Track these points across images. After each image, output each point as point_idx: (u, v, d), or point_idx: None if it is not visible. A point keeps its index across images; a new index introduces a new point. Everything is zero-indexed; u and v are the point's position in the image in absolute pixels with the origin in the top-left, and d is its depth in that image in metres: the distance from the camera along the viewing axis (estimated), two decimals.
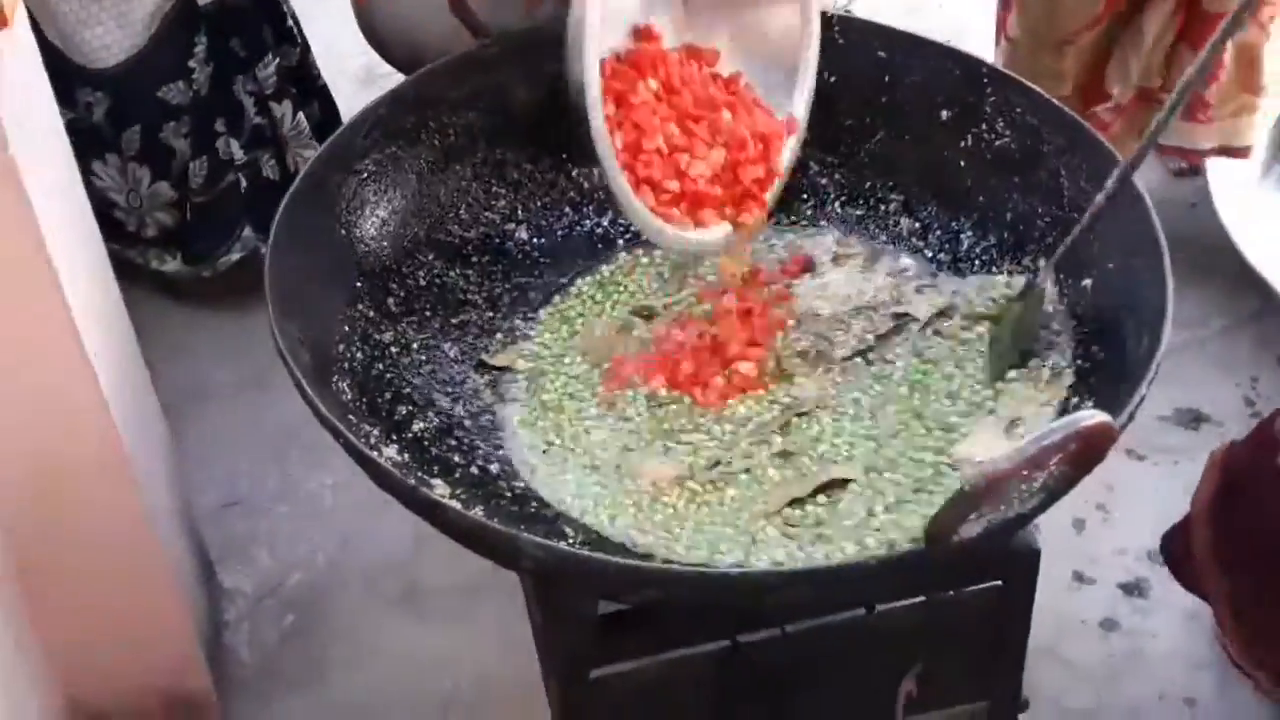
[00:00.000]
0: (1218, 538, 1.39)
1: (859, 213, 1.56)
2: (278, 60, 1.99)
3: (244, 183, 2.03)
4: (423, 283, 1.47)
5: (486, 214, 1.53)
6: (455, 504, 1.18)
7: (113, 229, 2.04)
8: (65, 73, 1.91)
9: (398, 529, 1.79)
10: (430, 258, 1.48)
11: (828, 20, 1.55)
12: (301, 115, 2.04)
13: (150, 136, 1.97)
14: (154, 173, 2.01)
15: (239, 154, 2.01)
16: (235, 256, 2.07)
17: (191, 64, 1.93)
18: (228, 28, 1.92)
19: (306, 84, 2.08)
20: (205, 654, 1.62)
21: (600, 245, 1.56)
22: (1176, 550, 1.50)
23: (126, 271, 2.00)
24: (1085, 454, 1.01)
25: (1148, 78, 1.98)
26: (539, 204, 1.56)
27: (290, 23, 2.03)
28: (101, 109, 1.94)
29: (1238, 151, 2.07)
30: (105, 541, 1.47)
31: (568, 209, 1.57)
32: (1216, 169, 2.07)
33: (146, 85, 1.93)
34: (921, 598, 1.28)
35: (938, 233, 1.52)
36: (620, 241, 1.56)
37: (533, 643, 1.39)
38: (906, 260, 1.50)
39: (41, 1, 1.83)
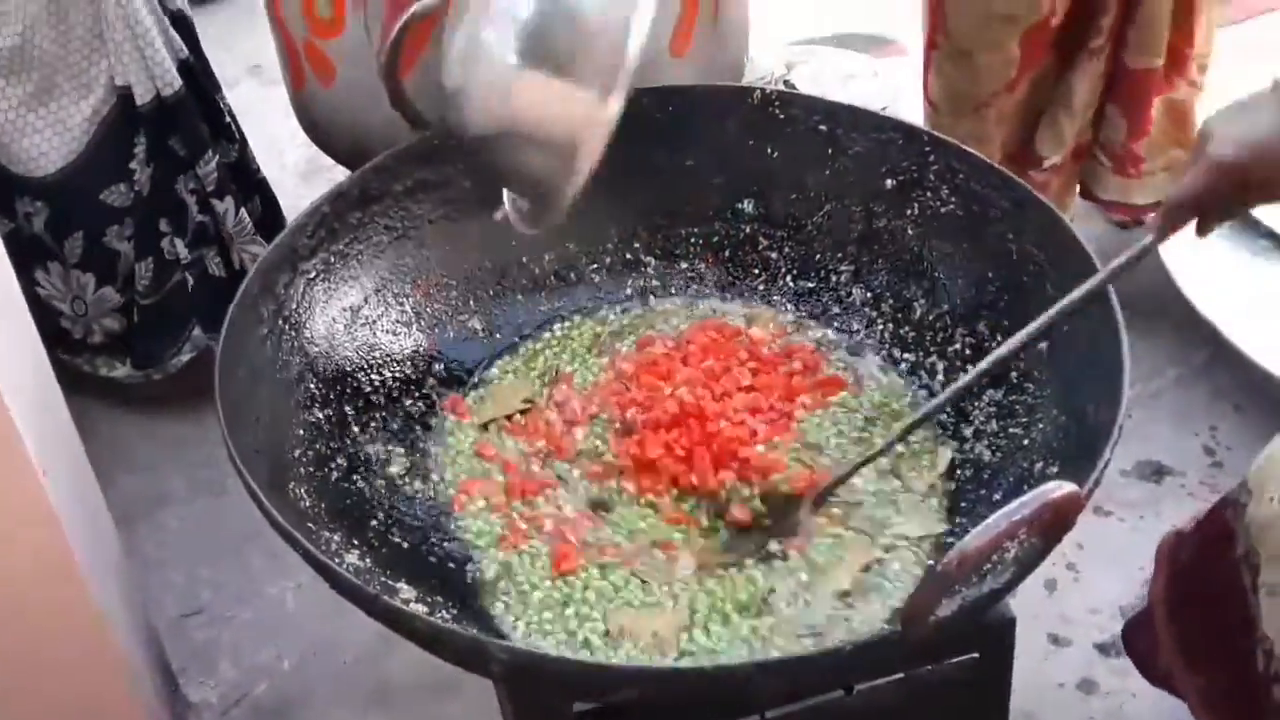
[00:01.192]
0: (1180, 633, 1.37)
1: (810, 285, 1.56)
2: (217, 157, 1.98)
3: (191, 282, 2.02)
4: (378, 384, 1.45)
5: (436, 306, 1.52)
6: (420, 608, 1.16)
7: (59, 338, 2.02)
8: (3, 182, 1.90)
9: (364, 629, 1.73)
10: (382, 356, 1.47)
11: (766, 96, 1.56)
12: (244, 211, 2.03)
13: (93, 242, 1.95)
14: (98, 278, 1.98)
15: (184, 253, 1.99)
16: (186, 357, 2.05)
17: (132, 165, 1.92)
18: (167, 127, 1.91)
19: (246, 179, 2.07)
20: None
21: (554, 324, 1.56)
22: (1140, 646, 1.48)
23: (75, 380, 1.98)
24: (1054, 524, 1.01)
25: (1080, 134, 2.00)
26: (489, 293, 1.55)
27: (228, 119, 2.03)
28: (41, 218, 1.93)
29: None
30: (61, 656, 1.44)
31: (520, 296, 1.56)
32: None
33: (87, 191, 1.92)
34: (899, 675, 1.27)
35: (890, 302, 1.52)
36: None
37: None
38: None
39: None
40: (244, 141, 2.07)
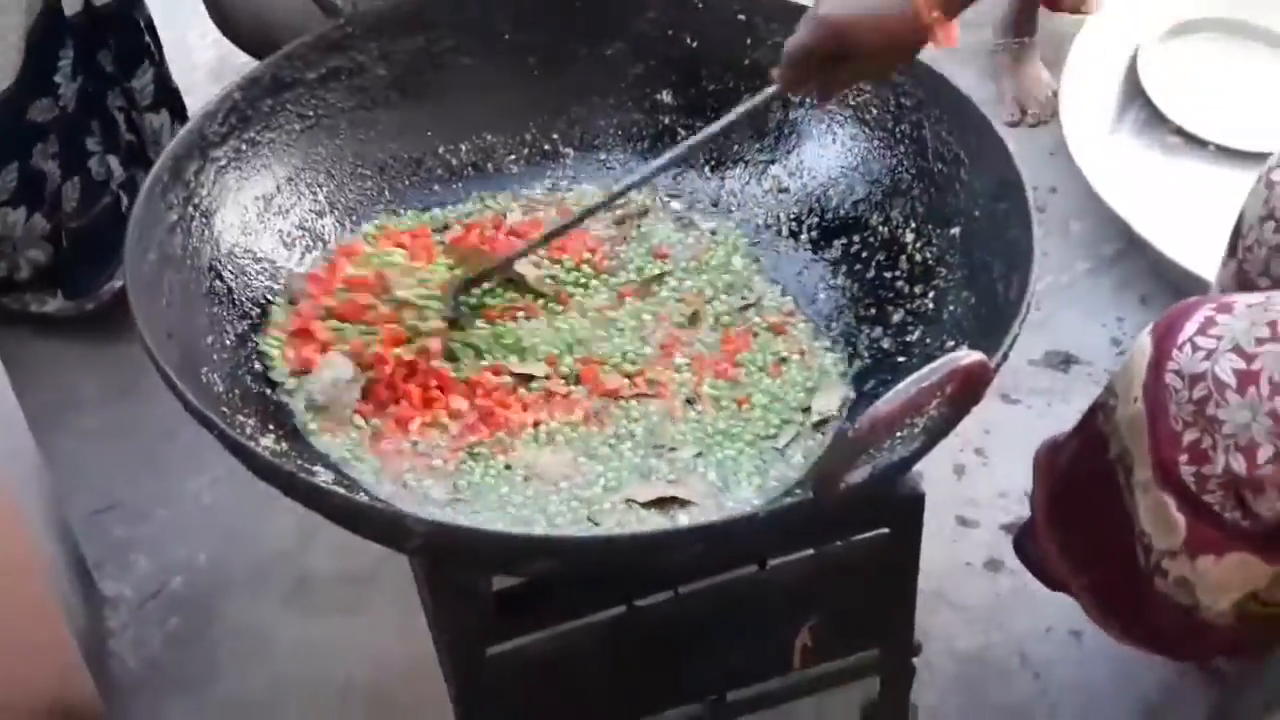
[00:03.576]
0: (1065, 538, 1.40)
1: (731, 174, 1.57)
2: (153, 69, 1.91)
3: (125, 202, 1.93)
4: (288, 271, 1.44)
5: (350, 197, 1.50)
6: (339, 488, 1.16)
7: None
8: None
9: (282, 523, 1.76)
10: (294, 245, 1.45)
11: None
12: (178, 125, 1.96)
13: (25, 170, 1.86)
14: (28, 209, 1.90)
15: (118, 171, 1.91)
16: (119, 283, 1.91)
17: (57, 79, 1.83)
18: (95, 38, 1.84)
19: (173, 93, 2.01)
20: (89, 663, 1.58)
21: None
22: (1030, 553, 1.52)
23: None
24: (963, 393, 1.03)
25: None
26: (406, 184, 1.54)
27: (148, 37, 1.96)
28: None
29: None
30: None
31: (436, 187, 1.55)
32: (1071, 117, 2.12)
33: (18, 113, 1.82)
34: (810, 551, 1.30)
35: (806, 190, 1.53)
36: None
37: (427, 626, 1.37)
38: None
39: None
40: (163, 56, 2.00)
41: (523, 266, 1.43)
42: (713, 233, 1.52)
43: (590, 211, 1.39)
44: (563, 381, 1.35)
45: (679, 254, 1.49)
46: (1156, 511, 1.24)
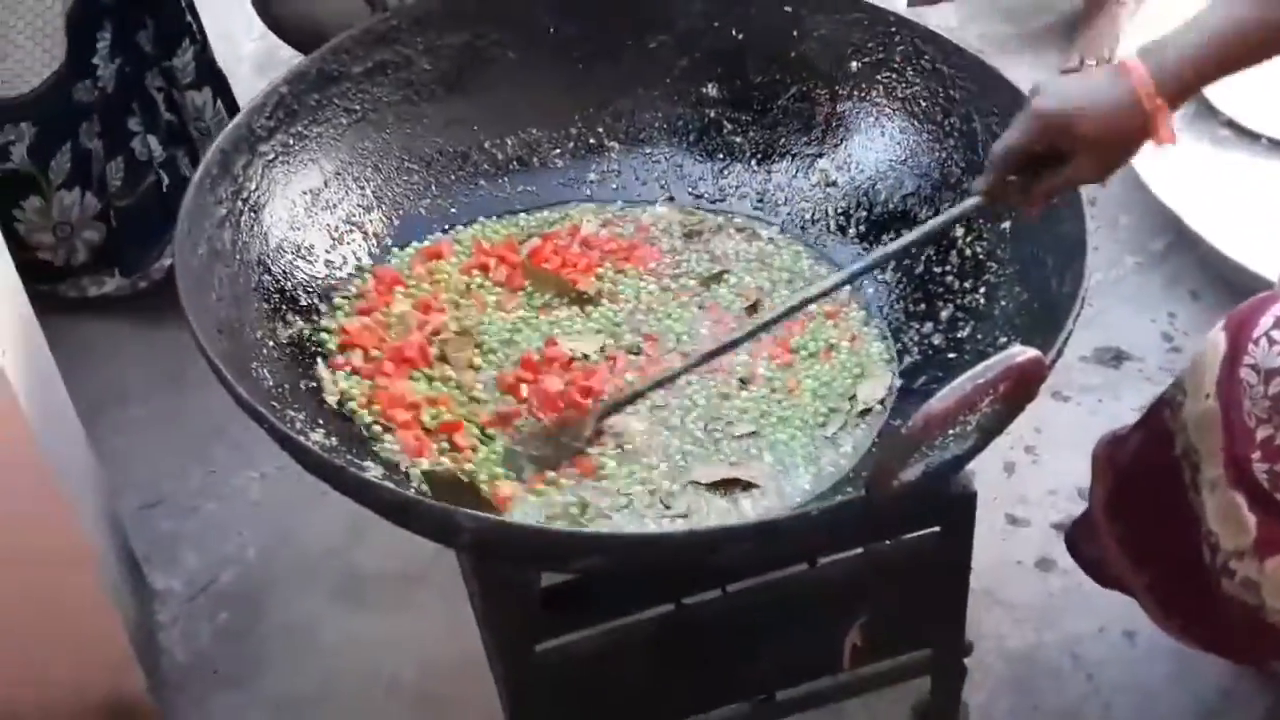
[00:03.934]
0: (1125, 535, 1.38)
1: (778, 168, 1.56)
2: (193, 48, 1.92)
3: (166, 181, 1.96)
4: (339, 267, 1.44)
5: (397, 190, 1.50)
6: (388, 483, 1.16)
7: (39, 271, 1.95)
8: None
9: (331, 518, 1.76)
10: (342, 240, 1.45)
11: None
12: (220, 103, 1.98)
13: (76, 150, 1.88)
14: (81, 189, 1.92)
15: (158, 151, 1.93)
16: (168, 261, 1.93)
17: (95, 60, 1.85)
18: (133, 20, 1.85)
19: (216, 73, 2.02)
20: (139, 656, 1.59)
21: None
22: (1085, 551, 1.50)
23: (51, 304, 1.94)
24: (1017, 390, 1.02)
25: None
26: (452, 178, 1.54)
27: (189, 16, 1.97)
28: (24, 144, 1.85)
29: None
30: (27, 544, 1.43)
31: (482, 181, 1.55)
32: None
33: (67, 94, 1.84)
34: (860, 549, 1.29)
35: (854, 184, 1.52)
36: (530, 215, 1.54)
37: (475, 624, 1.37)
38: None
39: None
40: (206, 37, 2.02)
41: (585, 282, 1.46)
42: (772, 240, 1.51)
43: (769, 324, 1.32)
44: (625, 352, 1.38)
45: (741, 258, 1.50)
46: (1226, 511, 1.22)
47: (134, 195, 1.95)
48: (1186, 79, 1.13)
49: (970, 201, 1.23)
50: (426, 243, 1.49)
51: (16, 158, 1.86)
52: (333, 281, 1.42)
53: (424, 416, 1.30)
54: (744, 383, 1.35)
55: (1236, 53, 1.13)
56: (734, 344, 1.30)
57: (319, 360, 1.34)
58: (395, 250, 1.47)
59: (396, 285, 1.43)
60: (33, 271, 1.92)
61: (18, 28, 1.77)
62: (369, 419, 1.30)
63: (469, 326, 1.39)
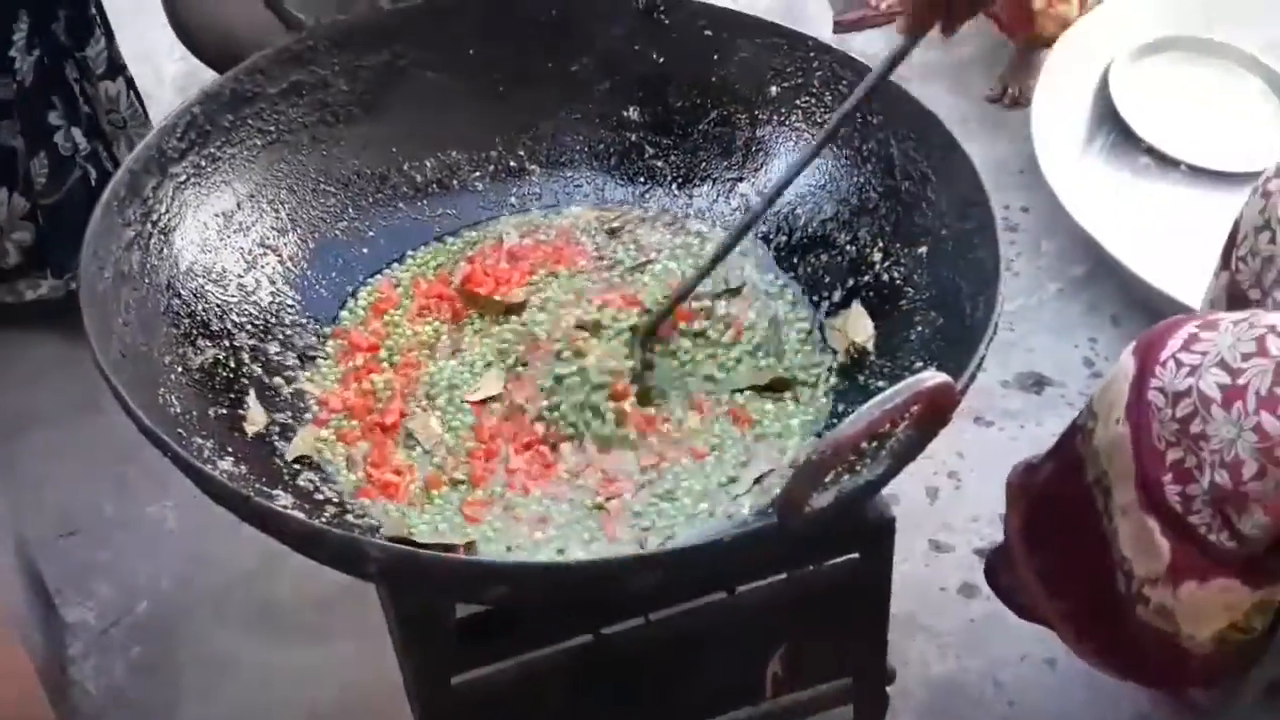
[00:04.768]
0: (1042, 565, 1.38)
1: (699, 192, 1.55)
2: (104, 39, 1.89)
3: (94, 175, 1.91)
4: (252, 291, 1.41)
5: (313, 213, 1.48)
6: (297, 514, 1.13)
7: None
8: None
9: (246, 548, 1.72)
10: (256, 263, 1.43)
11: (652, 1, 1.54)
12: (133, 95, 1.94)
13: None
14: (7, 189, 1.88)
15: (83, 143, 1.89)
16: None
17: (13, 53, 1.81)
18: (47, 7, 1.81)
19: (124, 67, 1.98)
20: (48, 690, 1.54)
21: (434, 238, 1.53)
22: (1002, 581, 1.50)
23: None
24: (929, 416, 1.01)
25: None
26: (370, 200, 1.52)
27: (93, 9, 1.93)
28: None
29: None
30: None
31: (401, 204, 1.53)
32: (1042, 135, 2.11)
33: None
34: (781, 575, 1.28)
35: (774, 208, 1.51)
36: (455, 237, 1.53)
37: (394, 653, 1.34)
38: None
39: None
40: (111, 28, 1.98)
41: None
42: (699, 233, 1.52)
43: (746, 226, 1.38)
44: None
45: (666, 247, 1.51)
46: (1139, 536, 1.22)
47: (60, 191, 1.90)
48: None
49: (900, 45, 1.28)
50: (366, 288, 1.47)
51: None
52: (242, 304, 1.39)
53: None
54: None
55: None
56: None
57: (250, 395, 1.32)
58: (347, 309, 1.45)
59: (370, 350, 1.41)
60: None
61: None
62: (351, 477, 1.29)
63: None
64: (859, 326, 1.38)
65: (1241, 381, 1.13)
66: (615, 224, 1.54)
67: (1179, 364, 1.17)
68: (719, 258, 1.39)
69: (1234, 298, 1.36)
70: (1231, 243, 1.38)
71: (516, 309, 1.44)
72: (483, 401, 1.36)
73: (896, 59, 1.29)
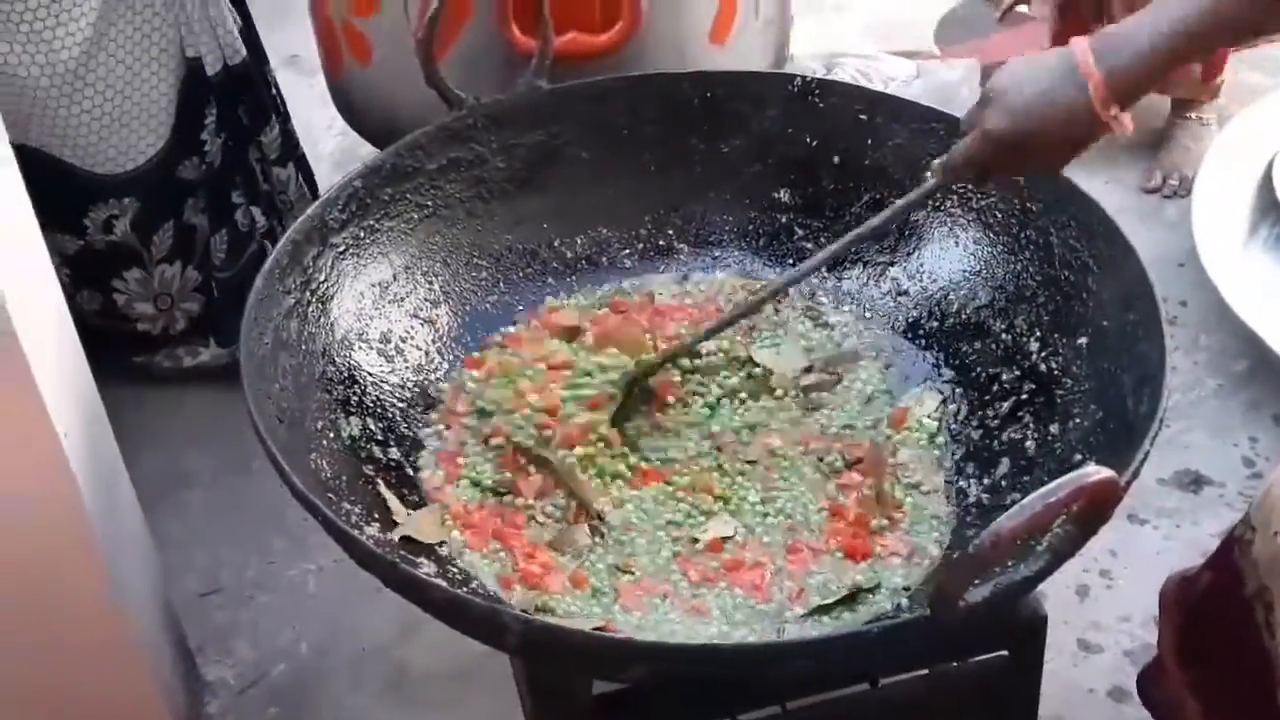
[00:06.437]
0: (1195, 679, 1.33)
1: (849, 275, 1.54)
2: (279, 124, 1.97)
3: (270, 250, 1.98)
4: (403, 361, 1.43)
5: (465, 286, 1.50)
6: (440, 580, 1.14)
7: (135, 342, 1.99)
8: (76, 193, 1.84)
9: (384, 615, 1.73)
10: (409, 334, 1.45)
11: (807, 84, 1.54)
12: (302, 179, 2.01)
13: (179, 226, 1.91)
14: (183, 263, 1.96)
15: (261, 221, 1.97)
16: None
17: (203, 136, 1.89)
18: (234, 95, 1.89)
19: (295, 151, 2.06)
20: None
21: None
22: (1155, 695, 1.43)
23: (134, 374, 1.98)
24: (1090, 512, 0.98)
25: None
26: (520, 275, 1.54)
27: (275, 89, 2.01)
28: (127, 218, 1.88)
29: None
30: (78, 631, 1.42)
31: (550, 280, 1.54)
32: (1202, 227, 2.05)
33: (171, 172, 1.88)
34: (925, 670, 1.24)
35: (925, 293, 1.49)
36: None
37: None
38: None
39: (53, 120, 1.77)
40: (289, 113, 2.06)
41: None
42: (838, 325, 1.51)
43: (773, 294, 1.40)
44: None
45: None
46: None
47: (236, 267, 1.97)
48: (1140, 82, 1.12)
49: (929, 183, 1.27)
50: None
51: (119, 231, 1.89)
52: (393, 374, 1.41)
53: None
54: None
55: (1189, 49, 1.10)
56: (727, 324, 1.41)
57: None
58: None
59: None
60: (129, 342, 1.98)
61: (124, 107, 1.80)
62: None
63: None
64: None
65: None
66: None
67: None
68: (736, 318, 1.41)
69: None
70: None
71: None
72: None
73: (927, 194, 1.30)
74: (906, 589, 1.23)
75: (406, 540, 1.25)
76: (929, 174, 1.27)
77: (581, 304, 1.53)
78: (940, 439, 1.38)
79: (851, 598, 1.22)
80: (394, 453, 1.35)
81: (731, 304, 1.50)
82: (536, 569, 1.25)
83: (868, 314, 1.51)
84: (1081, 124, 1.12)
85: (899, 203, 1.32)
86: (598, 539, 1.29)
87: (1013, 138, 1.14)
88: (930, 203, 1.50)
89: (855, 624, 1.18)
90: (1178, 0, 1.08)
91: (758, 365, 1.46)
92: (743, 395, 1.44)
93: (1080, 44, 1.12)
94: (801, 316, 1.51)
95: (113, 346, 1.94)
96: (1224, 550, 1.29)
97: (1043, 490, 0.94)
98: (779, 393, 1.44)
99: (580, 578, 1.26)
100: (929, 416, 1.40)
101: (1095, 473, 0.95)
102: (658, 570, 1.27)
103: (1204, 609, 1.31)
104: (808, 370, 1.45)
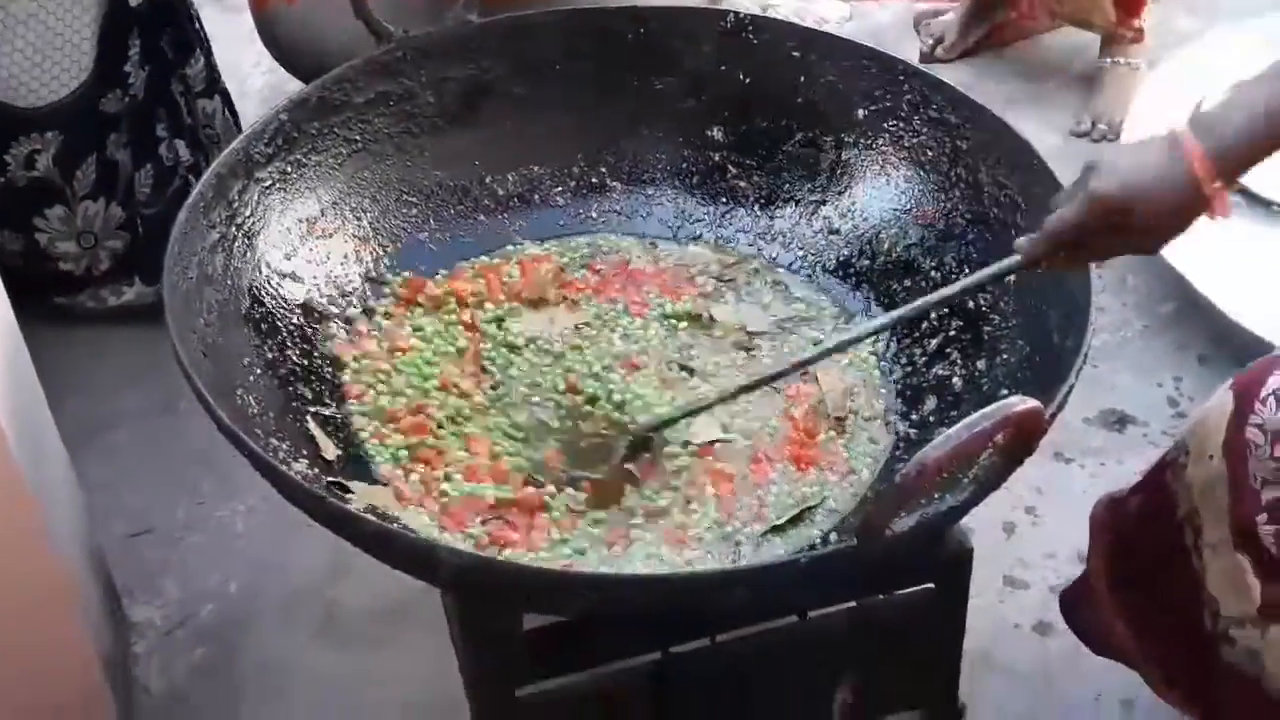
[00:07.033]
0: (1123, 601, 1.34)
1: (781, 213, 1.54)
2: (203, 57, 1.93)
3: (193, 185, 1.95)
4: (331, 294, 1.42)
5: (395, 222, 1.48)
6: (369, 515, 1.13)
7: (59, 282, 1.95)
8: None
9: (315, 554, 1.72)
10: (336, 270, 1.43)
11: (740, 20, 1.53)
12: (228, 112, 1.98)
13: (101, 161, 1.87)
14: (106, 199, 1.92)
15: (186, 155, 1.93)
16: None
17: (127, 68, 1.85)
18: (157, 26, 1.85)
19: (221, 84, 2.02)
20: (111, 688, 1.55)
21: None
22: (1080, 619, 1.45)
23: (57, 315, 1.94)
24: (1016, 442, 0.99)
25: None
26: (452, 213, 1.52)
27: (197, 22, 1.97)
28: (50, 153, 1.84)
29: None
30: (5, 572, 1.40)
31: (482, 216, 1.53)
32: None
33: (94, 105, 1.84)
34: (853, 602, 1.25)
35: (857, 232, 1.50)
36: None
37: (457, 665, 1.33)
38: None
39: None
40: (210, 46, 2.02)
41: None
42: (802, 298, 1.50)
43: (804, 364, 1.34)
44: None
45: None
46: (1229, 575, 1.18)
47: (161, 202, 1.94)
48: (1243, 160, 1.11)
49: (1011, 261, 1.19)
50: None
51: (42, 166, 1.85)
52: (322, 307, 1.39)
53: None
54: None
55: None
56: (762, 382, 1.33)
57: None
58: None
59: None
60: (52, 283, 1.94)
61: (46, 38, 1.77)
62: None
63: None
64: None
65: None
66: (730, 274, 1.52)
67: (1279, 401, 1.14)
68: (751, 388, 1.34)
69: None
70: None
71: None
72: None
73: (1008, 271, 1.21)
74: (838, 512, 1.25)
75: (336, 484, 1.24)
76: (1014, 251, 1.18)
77: (566, 258, 1.52)
78: (876, 372, 1.39)
79: (799, 516, 1.23)
80: (319, 388, 1.34)
81: (705, 275, 1.51)
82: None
83: (789, 251, 1.51)
84: (1188, 197, 1.10)
85: (974, 276, 1.24)
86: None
87: (1119, 203, 1.11)
88: (861, 141, 1.50)
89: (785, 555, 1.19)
90: (1274, 80, 1.09)
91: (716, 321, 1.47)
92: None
93: (1180, 125, 1.12)
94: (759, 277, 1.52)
95: (35, 288, 1.91)
96: (1155, 473, 1.31)
97: (968, 419, 0.95)
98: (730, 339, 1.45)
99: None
100: (869, 352, 1.41)
101: (1021, 402, 0.97)
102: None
103: (1134, 531, 1.33)
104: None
